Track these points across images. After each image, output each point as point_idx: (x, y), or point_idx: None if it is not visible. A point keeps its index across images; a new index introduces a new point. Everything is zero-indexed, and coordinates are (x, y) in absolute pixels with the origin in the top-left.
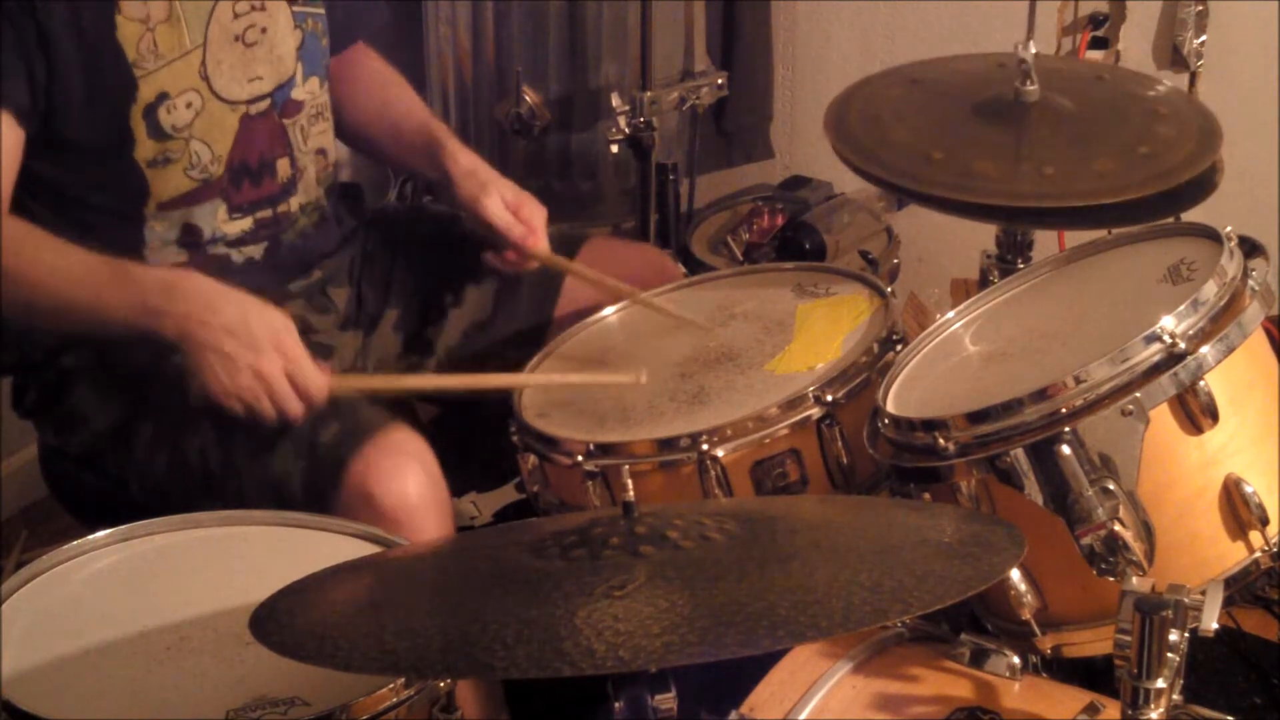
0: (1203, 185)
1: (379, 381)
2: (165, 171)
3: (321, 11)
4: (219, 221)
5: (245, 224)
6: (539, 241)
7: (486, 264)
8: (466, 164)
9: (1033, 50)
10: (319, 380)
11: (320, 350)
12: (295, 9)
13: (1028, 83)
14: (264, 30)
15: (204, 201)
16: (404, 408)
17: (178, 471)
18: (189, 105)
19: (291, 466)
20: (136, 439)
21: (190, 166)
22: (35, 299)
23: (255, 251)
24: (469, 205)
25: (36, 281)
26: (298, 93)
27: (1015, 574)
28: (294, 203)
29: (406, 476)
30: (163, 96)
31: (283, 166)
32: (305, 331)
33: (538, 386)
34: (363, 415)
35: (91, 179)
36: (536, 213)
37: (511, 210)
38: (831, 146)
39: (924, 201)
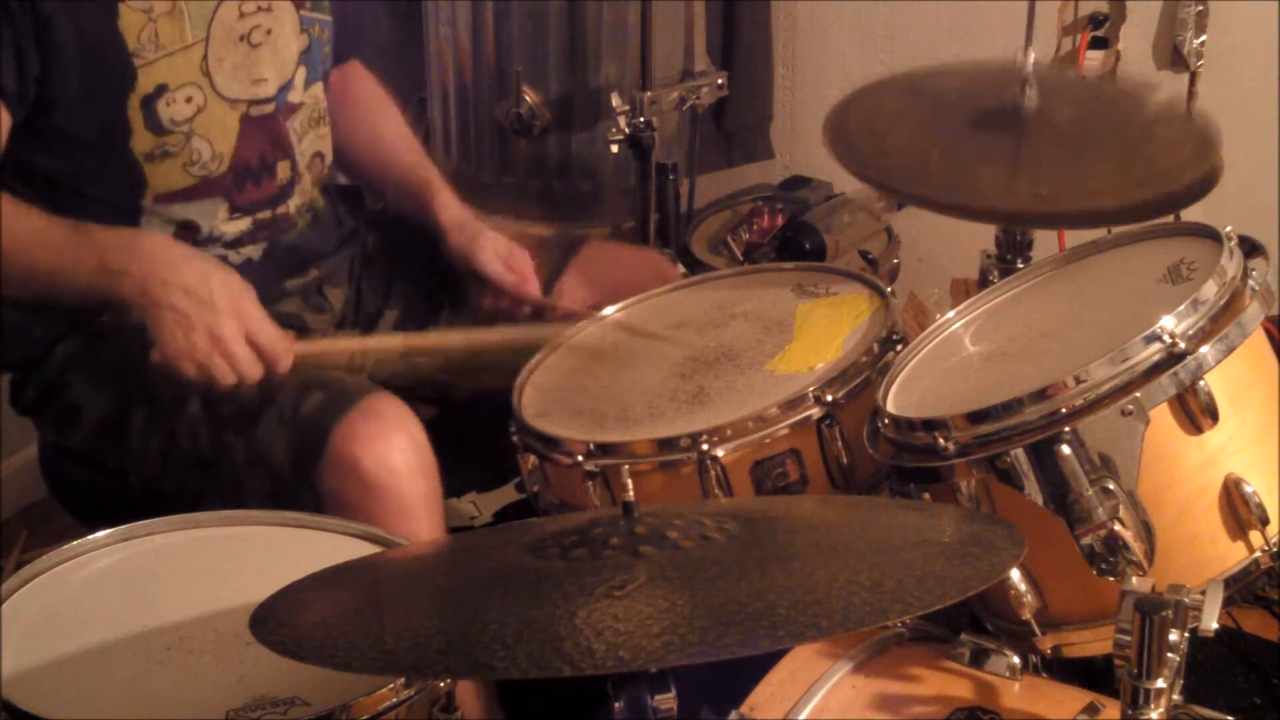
0: (1202, 185)
1: (343, 343)
2: (163, 166)
3: (328, 18)
4: (218, 220)
5: (244, 224)
6: (530, 288)
7: (482, 307)
8: (457, 216)
9: (1031, 59)
10: (280, 342)
11: None
12: (303, 13)
13: (1026, 93)
14: (269, 32)
15: (204, 199)
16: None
17: (172, 456)
18: (189, 100)
19: (277, 438)
20: (131, 427)
21: (190, 163)
22: None
23: (254, 252)
24: (461, 258)
25: None
26: (298, 96)
27: (1015, 574)
28: (291, 205)
29: (390, 440)
30: (162, 89)
31: (283, 168)
32: (299, 330)
33: (531, 377)
34: (345, 383)
35: (87, 169)
36: (525, 261)
37: (502, 261)
38: (830, 153)
39: (920, 204)
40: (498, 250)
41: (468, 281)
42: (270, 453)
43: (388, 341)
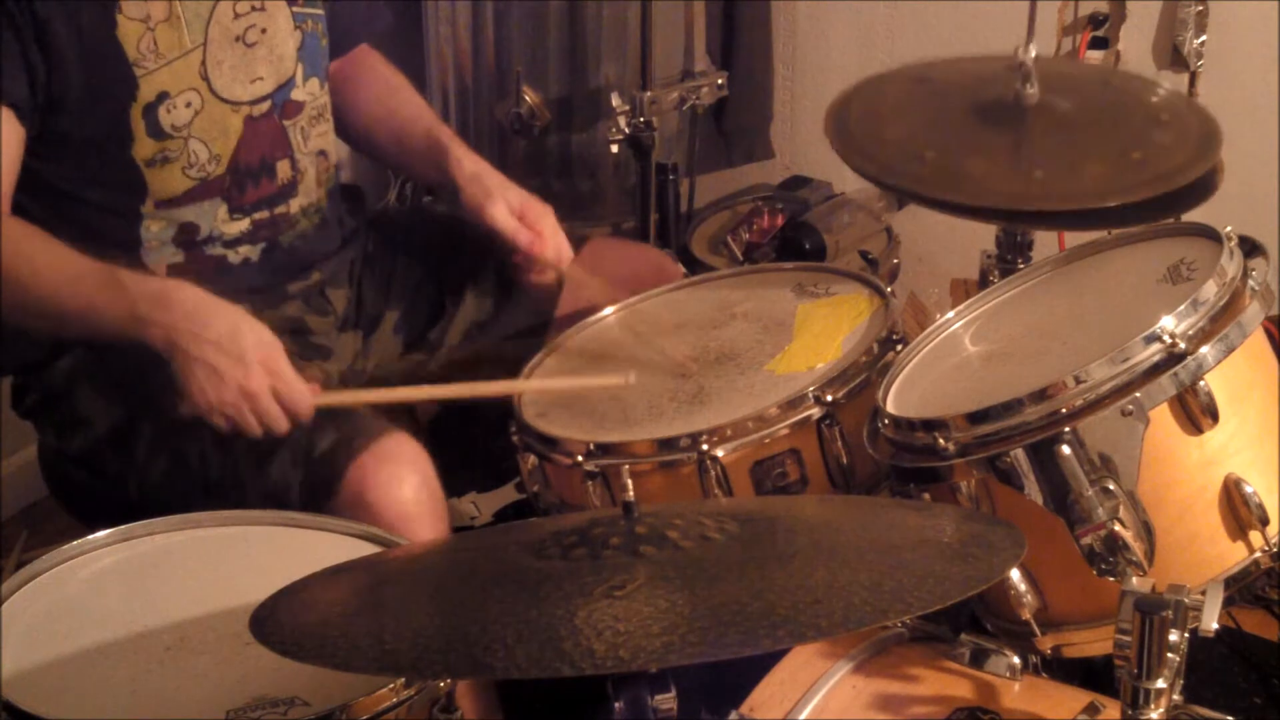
0: (1203, 186)
1: (366, 395)
2: (163, 171)
3: (321, 12)
4: (218, 221)
5: (244, 224)
6: (546, 247)
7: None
8: (471, 169)
9: (1033, 53)
10: (305, 398)
11: (318, 351)
12: (295, 9)
13: (1027, 85)
14: (264, 31)
15: (203, 200)
16: (402, 409)
17: (178, 476)
18: (188, 105)
19: (289, 476)
20: (137, 442)
21: (188, 165)
22: (28, 301)
23: (252, 253)
24: (474, 212)
25: (30, 283)
26: (298, 94)
27: (1015, 574)
28: (294, 205)
29: (403, 484)
30: (163, 96)
31: (283, 168)
32: (302, 333)
33: (531, 377)
34: (358, 423)
35: (89, 176)
36: (543, 216)
37: (517, 215)
38: (828, 140)
39: (915, 199)
40: (511, 204)
41: (467, 278)
42: (283, 490)
43: (407, 394)
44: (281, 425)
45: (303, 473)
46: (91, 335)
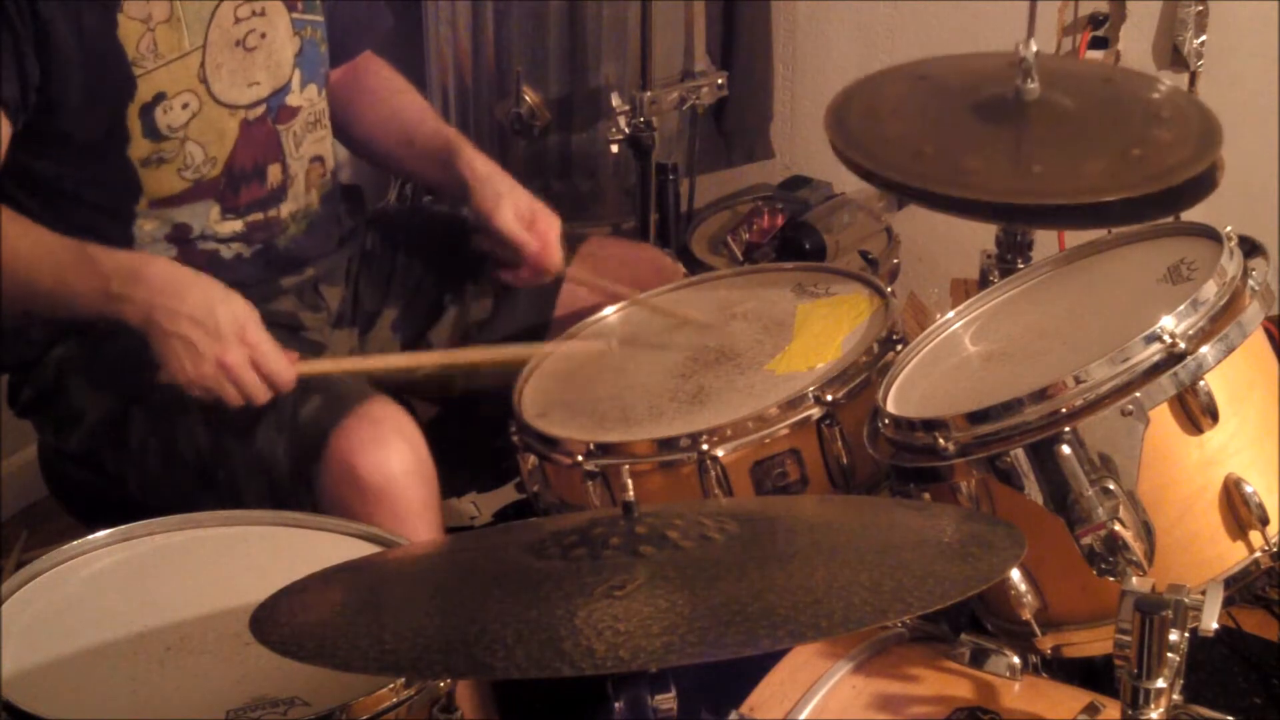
0: (1203, 185)
1: (346, 363)
2: (158, 171)
3: (321, 19)
4: (211, 221)
5: (236, 225)
6: (553, 256)
7: (498, 280)
8: (484, 171)
9: (1034, 48)
10: (285, 368)
11: (311, 347)
12: (295, 16)
13: (1028, 81)
14: (264, 36)
15: (197, 201)
16: (402, 406)
17: (171, 459)
18: (185, 106)
19: (275, 442)
20: (130, 429)
21: (184, 167)
22: None
23: (245, 249)
24: (482, 216)
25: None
26: (294, 99)
27: (1015, 574)
28: (284, 209)
29: (388, 446)
30: (160, 96)
31: (273, 172)
32: (296, 329)
33: (531, 377)
34: (343, 388)
35: (84, 175)
36: (551, 225)
37: (525, 223)
38: (828, 137)
39: (915, 196)
40: (520, 210)
41: (466, 277)
42: (269, 457)
43: (389, 361)
44: (261, 395)
45: (288, 438)
46: (65, 313)
